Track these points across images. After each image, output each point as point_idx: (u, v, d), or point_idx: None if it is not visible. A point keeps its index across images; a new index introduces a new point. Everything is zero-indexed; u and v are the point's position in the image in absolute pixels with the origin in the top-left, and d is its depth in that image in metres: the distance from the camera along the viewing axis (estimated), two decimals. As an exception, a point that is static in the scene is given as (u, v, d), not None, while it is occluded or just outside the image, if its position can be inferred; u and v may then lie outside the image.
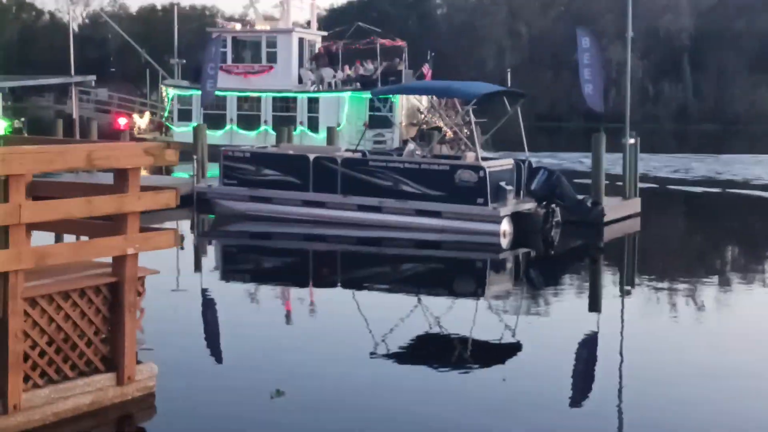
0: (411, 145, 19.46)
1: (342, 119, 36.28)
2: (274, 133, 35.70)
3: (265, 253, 18.19)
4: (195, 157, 22.80)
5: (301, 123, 37.19)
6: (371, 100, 32.12)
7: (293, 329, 11.66)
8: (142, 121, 40.25)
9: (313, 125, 36.85)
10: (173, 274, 14.62)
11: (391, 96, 31.52)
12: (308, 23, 42.79)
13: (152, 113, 40.36)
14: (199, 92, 35.11)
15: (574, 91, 65.45)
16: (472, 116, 18.78)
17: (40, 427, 7.22)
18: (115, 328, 7.84)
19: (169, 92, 40.10)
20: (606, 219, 19.67)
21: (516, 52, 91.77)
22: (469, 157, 18.68)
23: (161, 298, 11.90)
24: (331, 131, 28.00)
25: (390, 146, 30.33)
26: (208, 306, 13.00)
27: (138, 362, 8.04)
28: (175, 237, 8.19)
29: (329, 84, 38.05)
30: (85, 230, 8.57)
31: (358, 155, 19.82)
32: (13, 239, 6.90)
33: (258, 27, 40.18)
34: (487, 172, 17.99)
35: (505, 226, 18.10)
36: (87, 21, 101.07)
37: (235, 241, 19.64)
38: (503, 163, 19.10)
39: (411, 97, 34.98)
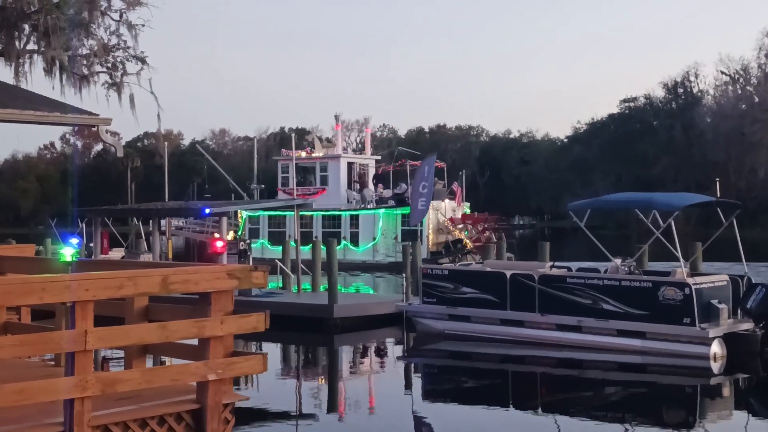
0: (616, 261, 18.35)
1: (377, 234, 41.10)
2: (323, 247, 40.91)
3: (464, 374, 17.66)
4: (404, 274, 22.86)
5: (345, 238, 41.05)
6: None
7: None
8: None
9: (354, 240, 41.65)
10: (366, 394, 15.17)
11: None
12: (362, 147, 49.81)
13: (235, 232, 44.91)
14: (266, 213, 43.37)
15: None
16: (673, 229, 17.46)
17: None
18: (198, 458, 7.63)
19: (243, 214, 46.15)
20: None
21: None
22: (677, 273, 17.33)
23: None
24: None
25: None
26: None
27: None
28: (263, 362, 7.93)
29: (369, 202, 42.76)
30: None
31: (561, 271, 18.97)
32: (79, 366, 6.88)
33: (315, 153, 45.36)
34: (694, 290, 16.57)
35: (716, 348, 16.50)
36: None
37: (435, 362, 19.16)
38: (715, 279, 17.54)
39: (438, 212, 40.79)
